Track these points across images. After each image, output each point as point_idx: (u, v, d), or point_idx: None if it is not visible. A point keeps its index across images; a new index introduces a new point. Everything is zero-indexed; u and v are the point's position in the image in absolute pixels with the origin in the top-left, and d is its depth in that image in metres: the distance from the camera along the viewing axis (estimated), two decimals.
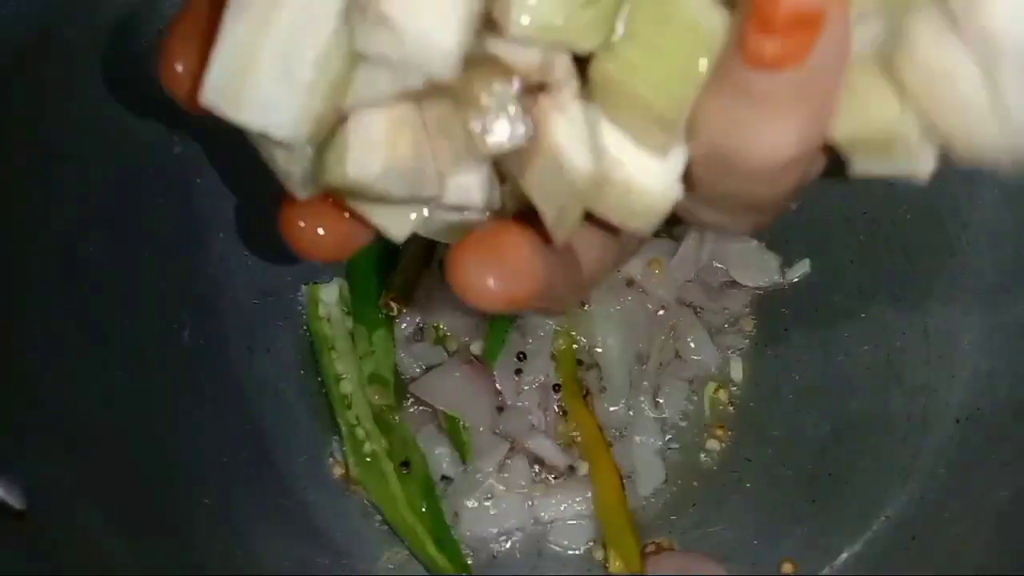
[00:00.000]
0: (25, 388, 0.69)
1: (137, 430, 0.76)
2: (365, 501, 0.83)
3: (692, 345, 0.87)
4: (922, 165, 0.34)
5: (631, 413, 0.85)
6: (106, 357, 0.76)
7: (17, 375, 0.68)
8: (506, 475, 0.83)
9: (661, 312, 0.87)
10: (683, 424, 0.87)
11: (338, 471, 0.84)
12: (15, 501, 0.63)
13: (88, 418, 0.73)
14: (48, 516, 0.66)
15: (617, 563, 0.78)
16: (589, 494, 0.82)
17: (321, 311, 0.86)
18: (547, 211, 0.35)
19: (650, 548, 0.81)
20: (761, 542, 0.81)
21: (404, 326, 0.88)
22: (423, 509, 0.80)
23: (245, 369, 0.84)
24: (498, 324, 0.85)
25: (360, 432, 0.82)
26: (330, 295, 0.86)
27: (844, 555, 0.78)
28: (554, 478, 0.84)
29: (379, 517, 0.83)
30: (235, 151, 0.84)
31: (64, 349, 0.73)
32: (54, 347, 0.72)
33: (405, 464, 0.82)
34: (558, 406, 0.85)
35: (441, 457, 0.84)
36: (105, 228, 0.77)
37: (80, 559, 0.67)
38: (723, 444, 0.86)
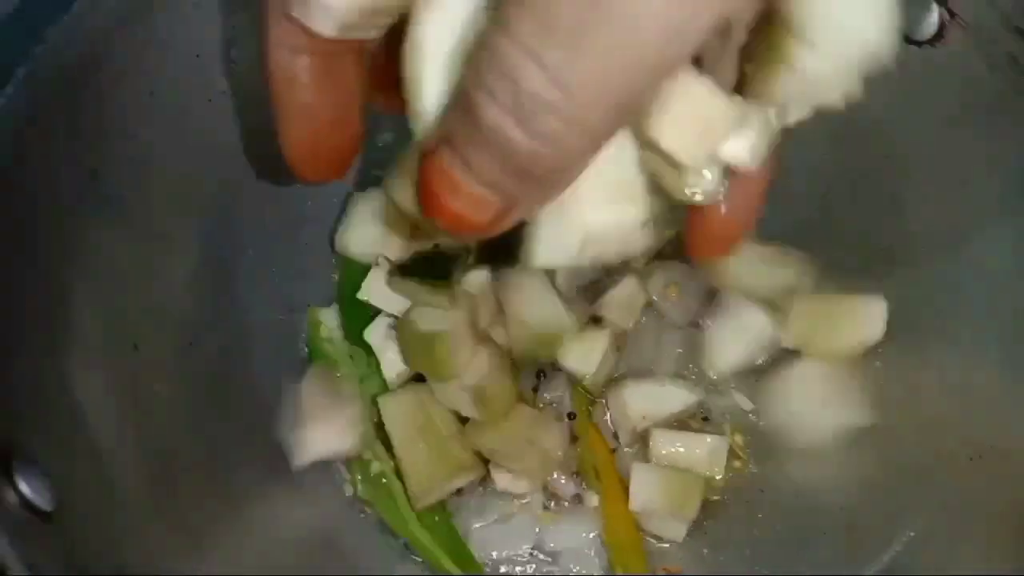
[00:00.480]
0: (55, 392, 0.71)
1: (161, 436, 0.78)
2: (381, 516, 0.85)
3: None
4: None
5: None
6: (134, 365, 0.78)
7: (47, 378, 0.71)
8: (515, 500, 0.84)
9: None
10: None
11: (349, 489, 0.86)
12: (44, 503, 0.64)
13: (115, 422, 0.75)
14: (75, 517, 0.69)
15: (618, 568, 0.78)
16: (596, 530, 0.83)
17: (323, 332, 0.87)
18: None
19: (660, 572, 0.81)
20: (770, 569, 0.81)
21: None
22: (436, 526, 0.81)
23: (264, 382, 0.87)
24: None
25: (367, 453, 0.83)
26: (331, 318, 0.87)
27: None
28: (564, 503, 0.85)
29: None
30: (272, 182, 0.89)
31: (94, 355, 0.75)
32: (85, 352, 0.75)
33: None
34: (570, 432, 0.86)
35: None
36: (141, 241, 0.81)
37: (106, 560, 0.69)
38: (735, 472, 0.86)
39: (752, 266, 0.84)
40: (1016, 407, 0.75)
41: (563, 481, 0.83)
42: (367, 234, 0.87)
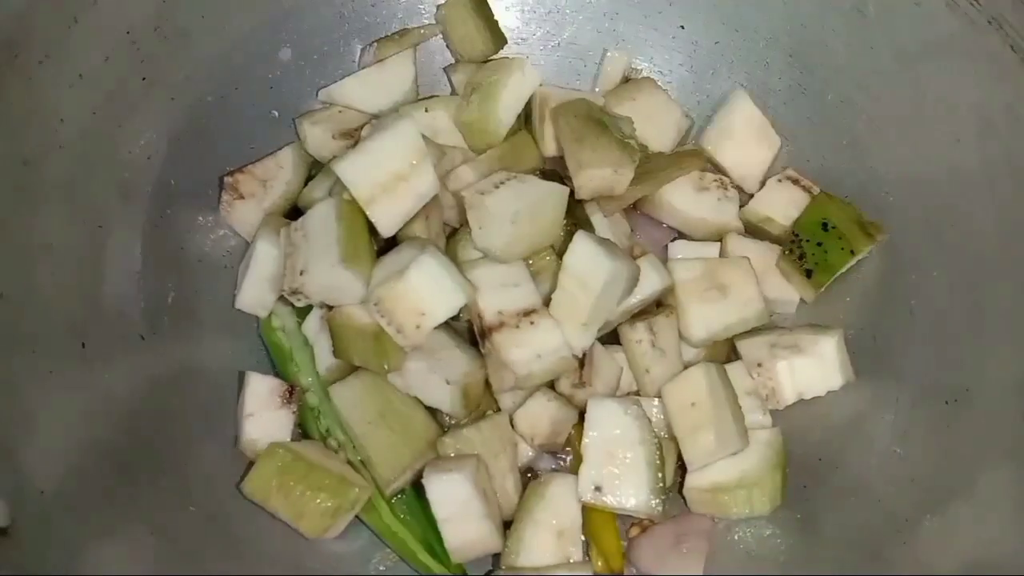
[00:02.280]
0: (7, 406, 0.68)
1: (117, 434, 0.75)
2: None
3: None
4: None
5: None
6: (84, 364, 0.75)
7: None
8: None
9: None
10: None
11: None
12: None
13: (67, 424, 0.72)
14: (31, 530, 0.66)
15: (599, 563, 0.77)
16: None
17: (275, 322, 0.84)
18: None
19: (634, 532, 0.80)
20: None
21: None
22: (407, 517, 0.79)
23: (220, 373, 0.84)
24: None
25: (332, 443, 0.80)
26: (283, 307, 0.83)
27: None
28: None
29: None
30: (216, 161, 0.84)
31: (40, 357, 0.72)
32: (30, 355, 0.71)
33: None
34: None
35: None
36: (82, 233, 0.77)
37: (64, 569, 0.67)
38: None
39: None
40: None
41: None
42: None
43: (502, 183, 0.78)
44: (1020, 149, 0.75)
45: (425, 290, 0.75)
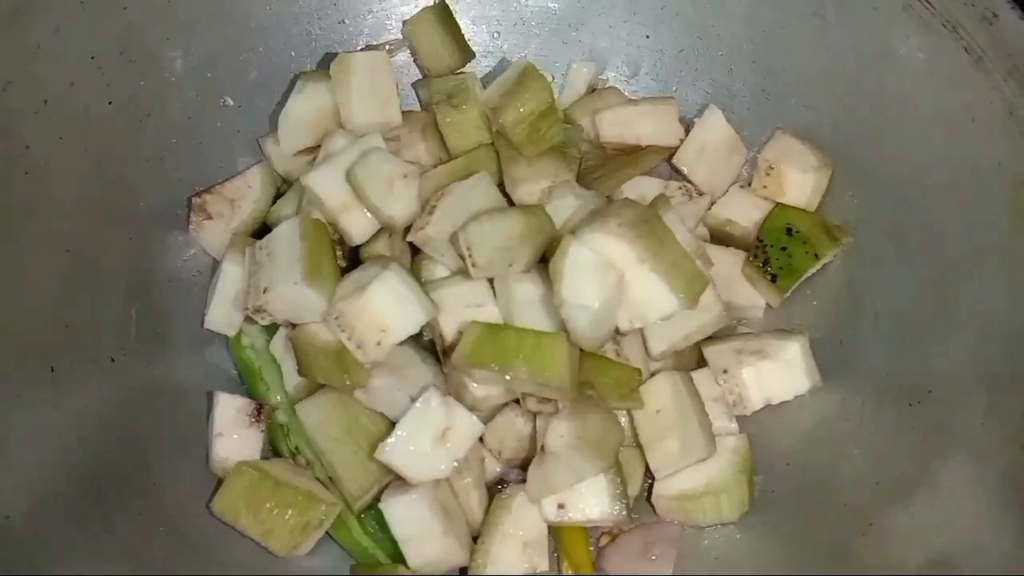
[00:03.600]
0: None
1: (89, 454, 0.75)
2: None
3: None
4: None
5: None
6: (54, 387, 0.75)
7: None
8: None
9: None
10: None
11: None
12: None
13: (39, 446, 0.72)
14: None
15: (569, 572, 0.77)
16: None
17: (244, 341, 0.84)
18: None
19: (604, 541, 0.81)
20: None
21: None
22: (376, 533, 0.79)
23: (191, 392, 0.84)
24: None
25: (302, 460, 0.80)
26: (253, 327, 0.84)
27: None
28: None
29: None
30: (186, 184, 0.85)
31: (7, 383, 0.72)
32: (6, 391, 0.72)
33: None
34: None
35: None
36: (49, 260, 0.78)
37: None
38: None
39: None
40: None
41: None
42: None
43: (433, 207, 0.78)
44: (980, 150, 0.76)
45: (386, 306, 0.75)
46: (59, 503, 0.72)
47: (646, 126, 0.91)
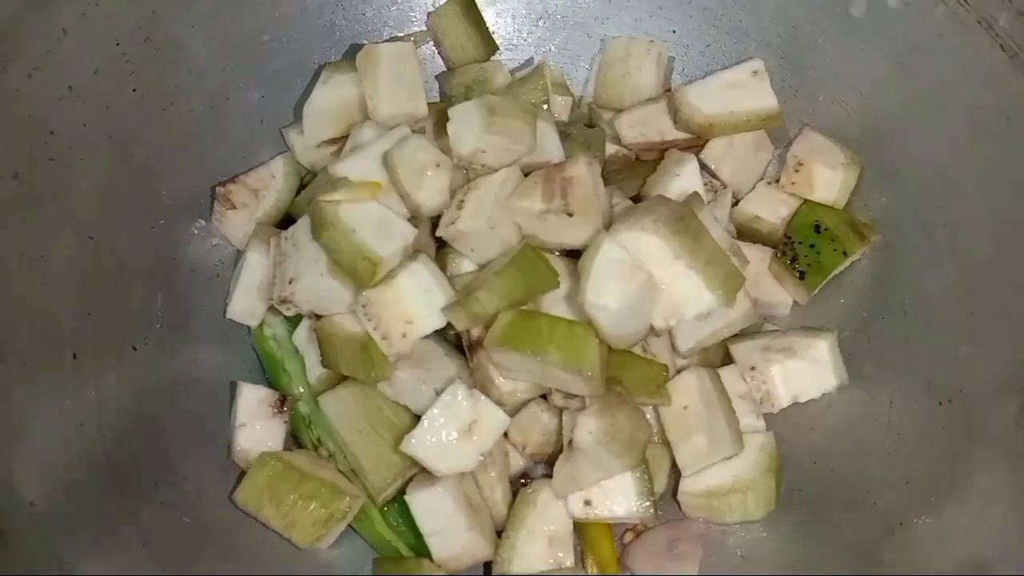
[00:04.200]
0: None
1: (109, 442, 0.75)
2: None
3: None
4: None
5: None
6: (75, 374, 0.75)
7: None
8: None
9: None
10: None
11: None
12: None
13: (59, 433, 0.72)
14: (22, 545, 0.66)
15: (594, 570, 0.77)
16: None
17: (266, 331, 0.84)
18: None
19: (628, 537, 0.80)
20: None
21: None
22: (399, 525, 0.79)
23: (214, 381, 0.84)
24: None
25: (324, 452, 0.80)
26: (275, 316, 0.84)
27: None
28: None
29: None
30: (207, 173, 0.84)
31: (30, 369, 0.72)
32: (21, 367, 0.71)
33: None
34: None
35: None
36: (73, 244, 0.77)
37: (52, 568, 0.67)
38: None
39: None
40: None
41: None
42: None
43: (462, 201, 0.77)
44: (1012, 149, 0.75)
45: (414, 298, 0.75)
46: (81, 491, 0.71)
47: (666, 120, 0.90)
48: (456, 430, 0.73)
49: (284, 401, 0.81)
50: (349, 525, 0.79)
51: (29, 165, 0.75)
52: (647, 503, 0.74)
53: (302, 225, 0.79)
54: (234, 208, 0.86)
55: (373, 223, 0.76)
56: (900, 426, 0.78)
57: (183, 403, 0.81)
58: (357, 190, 0.77)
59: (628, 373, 0.76)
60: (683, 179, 0.81)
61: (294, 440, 0.82)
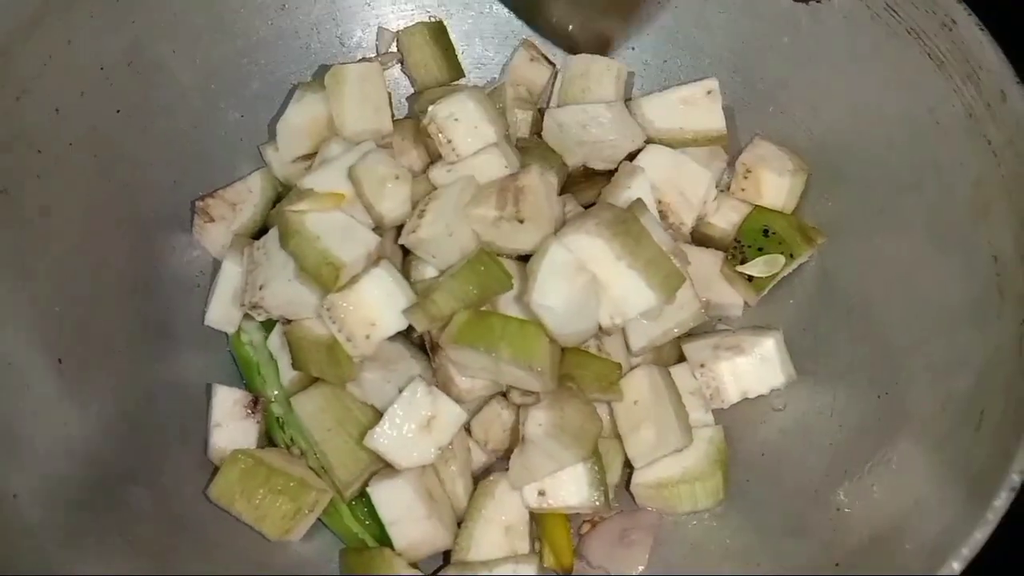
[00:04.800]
0: None
1: (93, 445, 0.79)
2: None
3: None
4: None
5: None
6: (60, 379, 0.79)
7: None
8: None
9: None
10: None
11: None
12: None
13: (45, 437, 0.76)
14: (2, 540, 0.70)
15: (551, 559, 0.80)
16: None
17: (243, 337, 0.88)
18: None
19: (585, 528, 0.84)
20: None
21: None
22: (366, 519, 0.82)
23: (193, 385, 0.88)
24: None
25: (296, 451, 0.84)
26: (252, 322, 0.88)
27: None
28: None
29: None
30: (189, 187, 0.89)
31: (16, 374, 0.76)
32: (7, 372, 0.76)
33: None
34: None
35: None
36: (57, 257, 0.82)
37: (27, 566, 0.70)
38: None
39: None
40: None
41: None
42: None
43: (423, 211, 0.82)
44: (942, 151, 0.79)
45: (376, 302, 0.79)
46: (65, 488, 0.75)
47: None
48: (415, 425, 0.77)
49: (257, 402, 0.85)
50: (319, 519, 0.83)
51: (17, 182, 0.80)
52: (598, 494, 0.78)
53: (272, 235, 0.84)
54: (212, 221, 0.91)
55: (337, 231, 0.81)
56: (842, 418, 0.81)
57: (164, 405, 0.86)
58: (322, 200, 0.82)
59: (582, 371, 0.80)
60: (633, 190, 0.85)
61: (268, 440, 0.86)
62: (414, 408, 0.77)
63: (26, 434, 0.75)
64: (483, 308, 0.80)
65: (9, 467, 0.73)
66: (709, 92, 0.91)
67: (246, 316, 0.87)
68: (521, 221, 0.79)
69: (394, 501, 0.78)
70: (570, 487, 0.78)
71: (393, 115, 0.93)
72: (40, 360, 0.79)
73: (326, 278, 0.78)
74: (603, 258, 0.77)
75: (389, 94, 0.94)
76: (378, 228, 0.84)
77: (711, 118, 0.91)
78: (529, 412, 0.77)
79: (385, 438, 0.77)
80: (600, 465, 0.79)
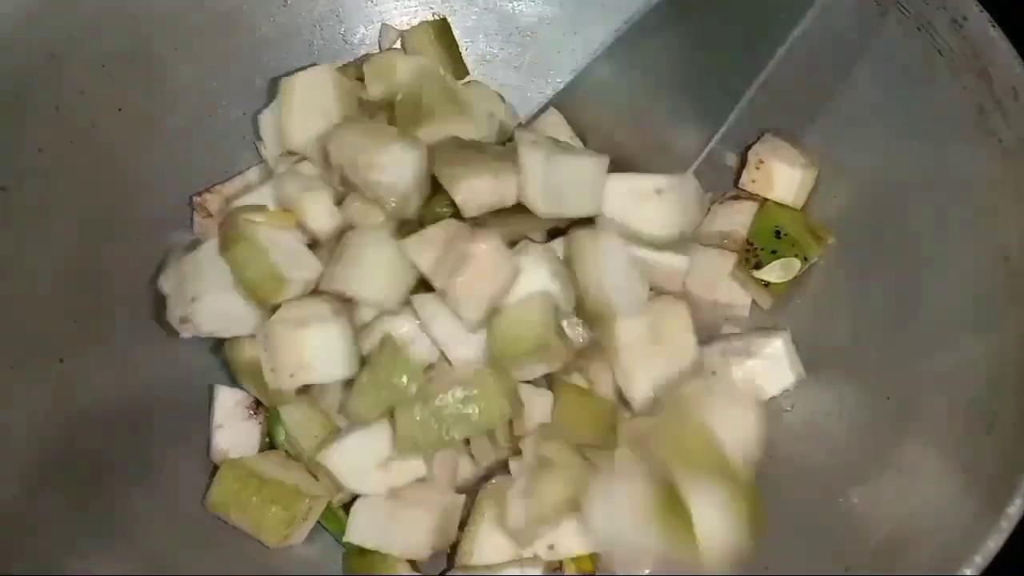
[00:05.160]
0: None
1: (93, 443, 0.79)
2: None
3: None
4: None
5: None
6: (61, 378, 0.79)
7: None
8: None
9: None
10: None
11: None
12: None
13: (43, 436, 0.76)
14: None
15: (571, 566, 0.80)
16: None
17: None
18: None
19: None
20: None
21: None
22: None
23: (193, 385, 0.87)
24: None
25: (293, 452, 0.83)
26: None
27: None
28: None
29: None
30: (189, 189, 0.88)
31: (17, 371, 0.76)
32: (6, 370, 0.76)
33: None
34: None
35: None
36: (59, 256, 0.81)
37: (30, 566, 0.70)
38: None
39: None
40: None
41: None
42: None
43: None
44: (952, 149, 0.78)
45: (315, 349, 0.76)
46: (64, 488, 0.75)
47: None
48: (373, 462, 0.76)
49: (259, 403, 0.84)
50: (319, 522, 0.82)
51: (17, 179, 0.79)
52: None
53: (209, 246, 0.80)
54: (210, 216, 0.90)
55: (286, 251, 0.78)
56: (850, 420, 0.80)
57: (165, 404, 0.85)
58: (278, 218, 0.81)
59: (574, 419, 0.78)
60: None
61: (269, 440, 0.86)
62: (377, 446, 0.76)
63: (24, 433, 0.75)
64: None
65: (7, 466, 0.72)
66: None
67: None
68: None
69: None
70: (576, 536, 0.77)
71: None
72: (41, 359, 0.78)
73: (267, 290, 0.76)
74: None
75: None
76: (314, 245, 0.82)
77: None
78: (507, 502, 0.76)
79: (339, 460, 0.77)
80: None
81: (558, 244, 0.81)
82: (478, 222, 0.77)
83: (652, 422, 0.76)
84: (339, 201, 0.83)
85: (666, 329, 0.80)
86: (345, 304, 0.79)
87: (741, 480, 0.71)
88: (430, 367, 0.77)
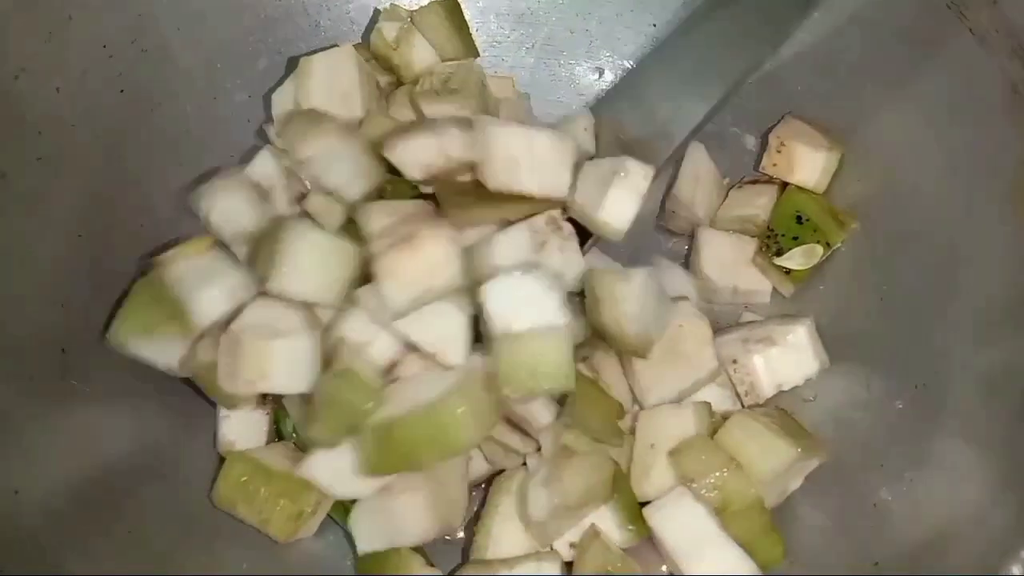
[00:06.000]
0: None
1: (99, 442, 0.77)
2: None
3: None
4: None
5: None
6: (62, 371, 0.77)
7: None
8: None
9: None
10: None
11: None
12: None
13: (44, 436, 0.73)
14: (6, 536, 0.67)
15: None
16: None
17: None
18: None
19: None
20: None
21: None
22: None
23: None
24: None
25: (301, 444, 0.80)
26: None
27: None
28: None
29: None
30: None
31: (18, 366, 0.74)
32: (7, 365, 0.73)
33: None
34: None
35: None
36: (59, 243, 0.79)
37: (27, 567, 0.68)
38: None
39: None
40: None
41: None
42: None
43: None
44: (983, 130, 0.75)
45: (280, 364, 0.73)
46: (68, 483, 0.73)
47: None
48: (351, 468, 0.73)
49: (265, 394, 0.82)
50: (329, 515, 0.80)
51: (16, 165, 0.77)
52: (631, 529, 0.75)
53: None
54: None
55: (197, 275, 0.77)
56: (878, 410, 0.78)
57: (171, 395, 0.83)
58: (193, 246, 0.79)
59: (587, 416, 0.76)
60: None
61: (276, 430, 0.83)
62: (347, 455, 0.73)
63: (28, 427, 0.72)
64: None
65: (10, 462, 0.70)
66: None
67: None
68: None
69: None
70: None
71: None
72: (43, 351, 0.76)
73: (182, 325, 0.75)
74: None
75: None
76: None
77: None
78: (528, 492, 0.73)
79: (318, 470, 0.74)
80: (625, 498, 0.75)
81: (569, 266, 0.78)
82: (444, 208, 0.75)
83: None
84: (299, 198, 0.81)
85: (686, 345, 0.79)
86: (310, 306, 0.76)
87: None
88: (392, 366, 0.74)
